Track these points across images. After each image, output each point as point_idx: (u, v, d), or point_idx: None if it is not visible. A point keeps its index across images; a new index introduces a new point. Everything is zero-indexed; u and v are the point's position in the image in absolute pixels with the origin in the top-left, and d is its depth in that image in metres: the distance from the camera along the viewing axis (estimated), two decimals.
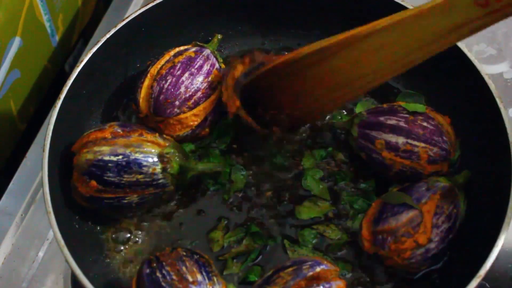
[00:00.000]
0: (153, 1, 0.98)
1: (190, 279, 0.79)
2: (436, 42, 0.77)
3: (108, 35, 0.95)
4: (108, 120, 0.99)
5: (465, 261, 0.85)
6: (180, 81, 0.92)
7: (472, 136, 0.93)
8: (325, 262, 0.80)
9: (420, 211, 0.84)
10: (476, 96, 0.92)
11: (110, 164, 0.85)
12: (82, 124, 0.95)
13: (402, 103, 0.92)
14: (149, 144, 0.88)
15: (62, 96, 0.90)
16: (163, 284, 0.79)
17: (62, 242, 0.81)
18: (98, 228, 0.92)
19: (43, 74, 1.16)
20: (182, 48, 0.96)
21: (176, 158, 0.88)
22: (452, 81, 0.97)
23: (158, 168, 0.87)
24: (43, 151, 0.86)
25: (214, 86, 0.94)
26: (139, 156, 0.86)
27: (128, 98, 1.00)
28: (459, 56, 0.93)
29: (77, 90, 0.92)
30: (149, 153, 0.87)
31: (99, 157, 0.85)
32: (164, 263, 0.80)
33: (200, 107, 0.93)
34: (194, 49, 0.96)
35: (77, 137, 0.89)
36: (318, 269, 0.79)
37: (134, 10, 1.02)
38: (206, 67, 0.94)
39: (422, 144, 0.88)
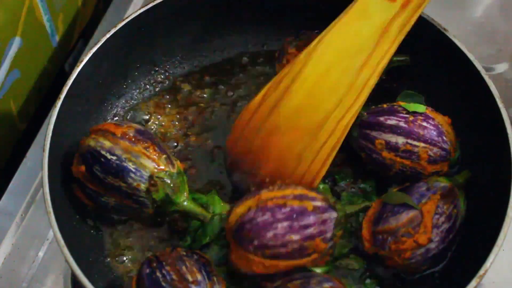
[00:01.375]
0: (153, 1, 0.98)
1: (190, 279, 0.79)
2: (375, 51, 0.78)
3: (108, 35, 0.95)
4: (107, 120, 0.99)
5: (465, 261, 0.85)
6: (274, 225, 0.80)
7: (472, 136, 0.93)
8: (334, 280, 0.80)
9: (420, 211, 0.84)
10: (476, 96, 0.92)
11: (102, 159, 0.85)
12: (82, 124, 0.95)
13: (402, 103, 0.92)
14: (148, 160, 0.85)
15: (62, 96, 0.90)
16: (163, 284, 0.79)
17: (62, 242, 0.81)
18: (98, 228, 0.92)
19: (43, 74, 1.16)
20: (310, 194, 0.83)
21: (165, 186, 0.86)
22: (452, 81, 0.97)
23: (143, 186, 0.85)
24: (43, 151, 0.86)
25: (304, 253, 0.81)
26: (131, 166, 0.85)
27: (128, 98, 1.00)
28: (459, 56, 0.93)
29: (77, 90, 0.92)
30: (141, 168, 0.85)
31: (98, 149, 0.85)
32: (164, 263, 0.80)
33: (275, 262, 0.81)
34: (319, 203, 0.83)
35: (77, 137, 0.90)
36: (326, 285, 0.78)
37: (134, 10, 1.02)
38: (311, 230, 0.81)
39: (422, 144, 0.88)
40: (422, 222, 0.83)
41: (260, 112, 0.81)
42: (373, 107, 0.94)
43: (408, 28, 0.78)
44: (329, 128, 0.82)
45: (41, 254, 0.98)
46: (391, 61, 0.97)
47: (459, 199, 0.87)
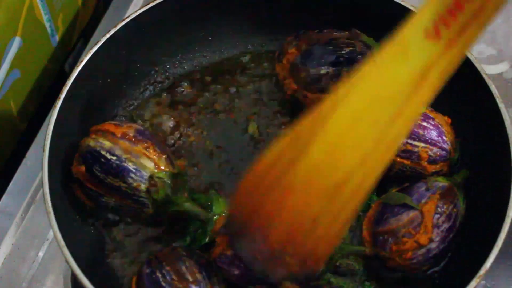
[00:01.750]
0: (153, 1, 0.98)
1: (190, 279, 0.79)
2: (409, 100, 0.63)
3: (108, 35, 0.95)
4: (107, 120, 0.99)
5: (465, 261, 0.85)
6: None
7: (472, 136, 0.93)
8: None
9: (420, 211, 0.84)
10: (476, 96, 0.92)
11: (102, 160, 0.85)
12: (82, 124, 0.95)
13: None
14: (148, 160, 0.86)
15: (62, 96, 0.90)
16: (163, 284, 0.79)
17: (62, 242, 0.81)
18: (98, 228, 0.92)
19: (43, 74, 1.16)
20: None
21: (165, 186, 0.86)
22: (452, 81, 0.96)
23: (143, 186, 0.85)
24: (43, 151, 0.86)
25: None
26: (131, 166, 0.85)
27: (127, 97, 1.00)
28: None
29: (77, 90, 0.92)
30: (141, 168, 0.85)
31: (97, 149, 0.85)
32: (164, 263, 0.80)
33: None
34: None
35: (77, 137, 0.90)
36: None
37: (134, 10, 1.02)
38: None
39: (422, 144, 0.88)
40: (423, 222, 0.83)
41: (274, 171, 0.68)
42: None
43: (450, 72, 0.65)
44: (349, 190, 0.67)
45: (41, 254, 0.98)
46: None
47: (459, 199, 0.87)
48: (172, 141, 1.00)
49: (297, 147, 0.66)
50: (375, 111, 0.64)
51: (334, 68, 0.94)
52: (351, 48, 0.94)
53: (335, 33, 0.96)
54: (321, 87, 0.95)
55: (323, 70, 0.94)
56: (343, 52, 0.94)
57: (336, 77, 0.94)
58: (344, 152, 0.65)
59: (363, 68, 0.64)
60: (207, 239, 0.89)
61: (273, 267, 0.73)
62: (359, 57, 0.94)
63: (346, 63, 0.93)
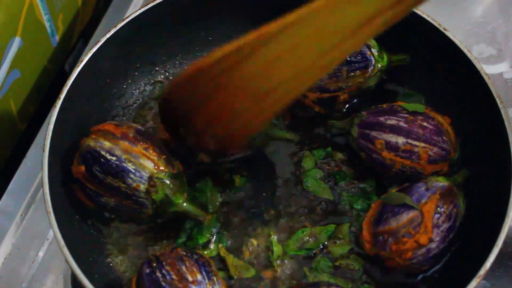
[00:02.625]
0: (153, 1, 0.98)
1: (190, 278, 0.79)
2: (350, 37, 0.72)
3: (108, 35, 0.95)
4: (107, 120, 0.99)
5: (465, 261, 0.85)
6: None
7: (472, 136, 0.93)
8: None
9: (420, 211, 0.84)
10: (476, 96, 0.92)
11: (102, 160, 0.85)
12: (82, 124, 0.95)
13: (402, 103, 0.92)
14: (147, 160, 0.86)
15: (62, 96, 0.90)
16: (163, 283, 0.79)
17: (62, 242, 0.81)
18: (98, 228, 0.92)
19: (43, 74, 1.16)
20: None
21: (164, 187, 0.86)
22: (452, 81, 0.97)
23: (142, 187, 0.85)
24: (43, 151, 0.86)
25: None
26: (130, 166, 0.85)
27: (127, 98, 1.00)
28: (459, 56, 0.93)
29: (77, 90, 0.92)
30: (141, 169, 0.85)
31: (97, 149, 0.85)
32: (164, 263, 0.80)
33: None
34: None
35: (77, 137, 0.90)
36: None
37: (134, 10, 1.02)
38: None
39: (422, 144, 0.88)
40: (423, 222, 0.83)
41: (214, 69, 0.77)
42: (373, 107, 0.94)
43: (392, 23, 0.71)
44: (274, 97, 0.78)
45: (41, 254, 0.98)
46: (391, 61, 0.97)
47: (459, 198, 0.87)
48: (172, 142, 1.00)
49: (241, 55, 0.74)
50: (317, 40, 0.72)
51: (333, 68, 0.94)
52: None
53: None
54: (320, 86, 0.95)
55: None
56: None
57: (336, 77, 0.94)
58: (280, 67, 0.74)
59: (317, 2, 0.70)
60: (204, 239, 0.89)
61: (194, 142, 0.86)
62: (358, 57, 0.94)
63: (346, 62, 0.94)
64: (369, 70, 0.95)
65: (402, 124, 0.89)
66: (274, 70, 0.75)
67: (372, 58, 0.95)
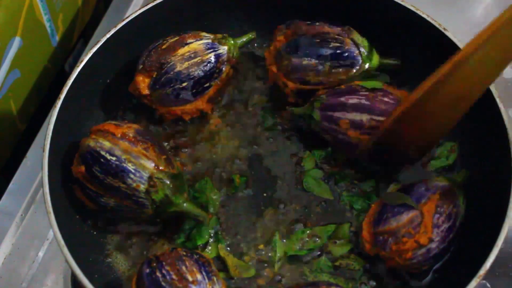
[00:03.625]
0: (153, 1, 0.98)
1: (190, 278, 0.79)
2: None
3: (108, 35, 0.95)
4: (107, 120, 0.99)
5: (465, 261, 0.85)
6: None
7: (472, 136, 0.93)
8: None
9: (420, 211, 0.84)
10: None
11: (102, 160, 0.85)
12: (82, 124, 0.95)
13: (359, 82, 0.92)
14: (148, 161, 0.86)
15: (62, 96, 0.90)
16: (163, 283, 0.79)
17: (62, 242, 0.81)
18: (98, 228, 0.92)
19: (43, 74, 1.16)
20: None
21: (164, 187, 0.86)
22: None
23: (142, 187, 0.85)
24: (43, 151, 0.86)
25: None
26: (130, 166, 0.85)
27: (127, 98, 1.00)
28: None
29: (77, 90, 0.92)
30: (140, 169, 0.85)
31: (97, 149, 0.86)
32: (164, 263, 0.80)
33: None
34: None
35: (77, 137, 0.90)
36: None
37: (134, 10, 1.02)
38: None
39: (386, 118, 0.89)
40: (423, 222, 0.83)
41: (419, 103, 0.84)
42: (331, 89, 0.94)
43: None
44: (465, 104, 0.86)
45: (41, 254, 0.98)
46: (382, 64, 0.98)
47: (459, 198, 0.87)
48: (172, 141, 1.00)
49: (437, 86, 0.82)
50: (497, 52, 0.80)
51: (316, 61, 0.94)
52: (338, 44, 0.95)
53: (327, 27, 0.96)
54: (301, 78, 0.95)
55: (305, 61, 0.95)
56: (329, 46, 0.95)
57: (317, 70, 0.94)
58: (472, 80, 0.82)
59: (497, 19, 0.81)
60: (203, 240, 0.89)
61: (399, 159, 0.95)
62: (345, 54, 0.94)
63: (330, 58, 0.94)
64: (354, 69, 0.95)
65: (364, 101, 0.90)
66: (468, 86, 0.83)
67: (359, 58, 0.95)
